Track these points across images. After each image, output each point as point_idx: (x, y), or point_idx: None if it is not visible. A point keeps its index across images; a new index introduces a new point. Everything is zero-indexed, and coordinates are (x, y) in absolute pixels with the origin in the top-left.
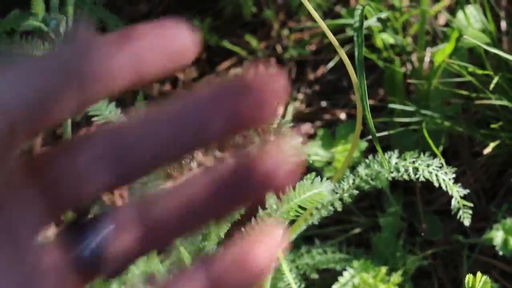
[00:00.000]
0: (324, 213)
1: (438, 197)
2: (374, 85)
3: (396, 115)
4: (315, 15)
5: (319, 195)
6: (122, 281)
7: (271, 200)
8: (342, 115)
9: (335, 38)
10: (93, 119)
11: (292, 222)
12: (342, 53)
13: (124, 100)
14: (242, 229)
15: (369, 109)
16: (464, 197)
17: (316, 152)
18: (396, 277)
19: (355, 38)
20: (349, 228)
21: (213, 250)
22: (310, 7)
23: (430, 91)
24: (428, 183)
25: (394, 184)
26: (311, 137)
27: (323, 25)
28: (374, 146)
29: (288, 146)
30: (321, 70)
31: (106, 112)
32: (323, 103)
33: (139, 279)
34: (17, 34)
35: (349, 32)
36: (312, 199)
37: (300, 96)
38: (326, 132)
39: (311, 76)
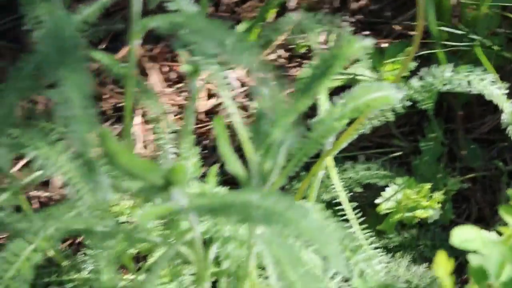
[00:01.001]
0: (376, 123)
1: (478, 127)
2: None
3: (443, 40)
4: None
5: (386, 98)
6: None
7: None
8: (385, 45)
9: None
10: None
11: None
12: None
13: None
14: None
15: (434, 18)
16: None
17: (363, 73)
18: (439, 196)
19: None
20: (390, 151)
21: None
22: None
23: (478, 19)
24: (468, 111)
25: (436, 112)
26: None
27: None
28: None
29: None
30: (364, 0)
31: None
32: (366, 32)
33: None
34: None
35: None
36: (379, 100)
37: (343, 25)
38: (376, 52)
39: (354, 6)
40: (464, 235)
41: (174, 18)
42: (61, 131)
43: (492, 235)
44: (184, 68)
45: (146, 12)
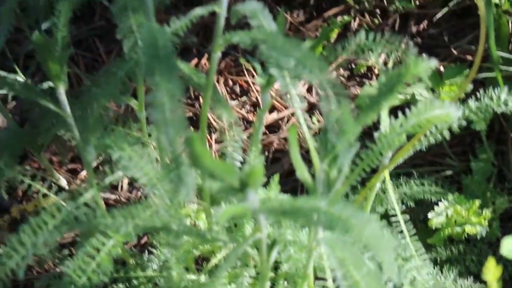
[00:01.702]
0: (431, 140)
1: None
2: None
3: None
4: None
5: (446, 116)
6: None
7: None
8: (442, 68)
9: None
10: None
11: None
12: None
13: None
14: None
15: (494, 41)
16: None
17: (421, 93)
18: (487, 213)
19: None
20: (442, 170)
21: None
22: None
23: None
24: None
25: (487, 134)
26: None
27: None
28: (475, 92)
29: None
30: (424, 24)
31: None
32: (424, 55)
33: None
34: None
35: None
36: (439, 117)
37: (409, 46)
38: (434, 73)
39: (414, 29)
40: None
41: (255, 35)
42: (137, 135)
43: None
44: (258, 80)
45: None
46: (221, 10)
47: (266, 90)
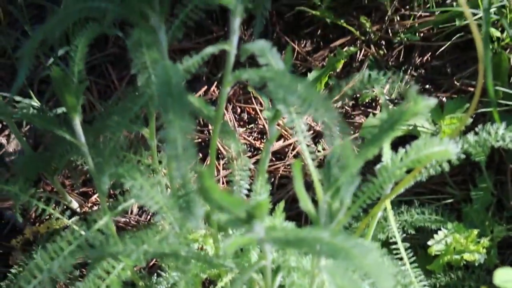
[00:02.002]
0: (432, 172)
1: None
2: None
3: (498, 99)
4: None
5: (445, 152)
6: None
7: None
8: (444, 99)
9: (445, 25)
10: None
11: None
12: (473, 26)
13: None
14: None
15: (491, 79)
16: None
17: (423, 124)
18: (485, 241)
19: (484, 17)
20: (442, 198)
21: None
22: None
23: None
24: None
25: (487, 164)
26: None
27: (466, 10)
28: (475, 125)
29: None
30: (427, 56)
31: None
32: (427, 86)
33: None
34: None
35: (457, 23)
36: (438, 154)
37: (406, 77)
38: (436, 106)
39: (418, 60)
40: (506, 276)
41: (263, 73)
42: (147, 162)
43: None
44: (266, 114)
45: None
46: (232, 48)
47: (273, 123)
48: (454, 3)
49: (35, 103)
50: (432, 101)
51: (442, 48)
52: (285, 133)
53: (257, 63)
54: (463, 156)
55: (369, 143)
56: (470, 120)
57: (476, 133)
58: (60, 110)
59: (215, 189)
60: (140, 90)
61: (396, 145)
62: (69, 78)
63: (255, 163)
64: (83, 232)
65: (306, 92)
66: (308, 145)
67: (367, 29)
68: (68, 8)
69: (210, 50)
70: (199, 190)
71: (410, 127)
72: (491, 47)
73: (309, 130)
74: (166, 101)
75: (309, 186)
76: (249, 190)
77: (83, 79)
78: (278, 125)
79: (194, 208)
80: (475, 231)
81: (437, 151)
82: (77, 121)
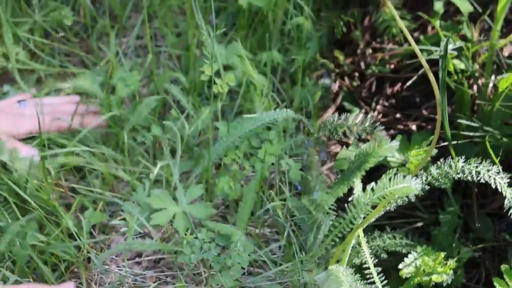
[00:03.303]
0: (399, 202)
1: (491, 202)
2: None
3: (462, 129)
4: (411, 41)
5: (408, 189)
6: None
7: (368, 186)
8: (414, 127)
9: (412, 61)
10: None
11: (373, 207)
12: (430, 74)
13: None
14: None
15: (447, 120)
16: None
17: (393, 155)
18: (452, 263)
19: (440, 63)
20: (413, 221)
21: None
22: (406, 32)
23: (493, 112)
24: (483, 189)
25: (454, 188)
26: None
27: (416, 49)
28: (440, 154)
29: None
30: (397, 87)
31: None
32: (398, 115)
33: None
34: None
35: (426, 56)
36: (402, 190)
37: (378, 107)
38: (404, 138)
39: (389, 91)
40: None
41: None
42: None
43: None
44: None
45: None
46: None
47: None
48: (421, 37)
49: None
50: (395, 144)
51: (411, 81)
52: None
53: None
54: (427, 187)
55: (340, 182)
56: (435, 150)
57: (438, 167)
58: None
59: None
60: None
61: (368, 173)
62: None
63: None
64: None
65: None
66: None
67: (341, 63)
68: None
69: None
70: None
71: (381, 158)
72: (456, 77)
73: None
74: None
75: None
76: None
77: None
78: None
79: None
80: (442, 254)
81: (401, 188)
82: None
